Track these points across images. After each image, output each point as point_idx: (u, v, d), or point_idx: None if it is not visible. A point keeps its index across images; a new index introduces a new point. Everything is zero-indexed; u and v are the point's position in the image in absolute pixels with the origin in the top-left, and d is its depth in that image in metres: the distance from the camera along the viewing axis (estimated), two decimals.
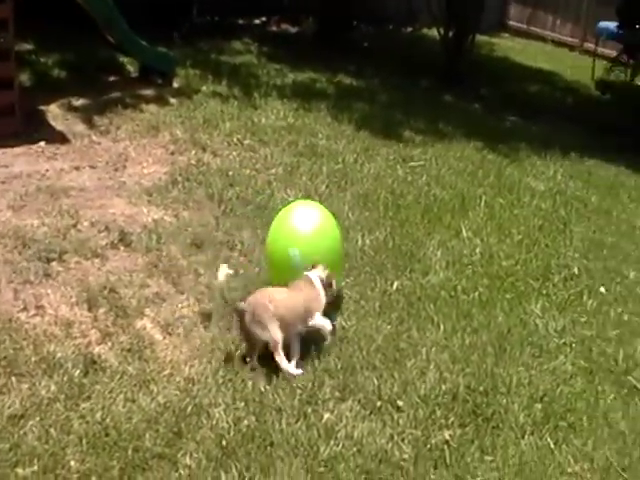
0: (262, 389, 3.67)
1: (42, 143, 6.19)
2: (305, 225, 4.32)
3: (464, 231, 5.71)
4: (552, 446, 3.63)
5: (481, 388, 3.92)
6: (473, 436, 3.60)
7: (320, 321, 4.01)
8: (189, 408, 3.50)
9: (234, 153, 6.52)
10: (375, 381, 3.84)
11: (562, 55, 14.37)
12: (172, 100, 7.62)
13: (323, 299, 4.05)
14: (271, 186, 5.93)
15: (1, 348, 3.71)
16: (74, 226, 4.93)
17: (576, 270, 5.44)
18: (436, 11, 10.57)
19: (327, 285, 4.09)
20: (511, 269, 5.26)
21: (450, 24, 10.43)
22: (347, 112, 8.03)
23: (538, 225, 6.11)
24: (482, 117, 9.30)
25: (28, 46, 8.36)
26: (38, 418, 3.34)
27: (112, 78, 8.02)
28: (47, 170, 5.76)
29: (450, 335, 4.35)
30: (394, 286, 4.75)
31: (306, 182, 6.10)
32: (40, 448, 3.19)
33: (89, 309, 4.12)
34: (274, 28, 11.91)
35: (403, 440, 3.51)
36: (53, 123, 6.66)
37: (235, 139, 6.81)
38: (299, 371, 3.81)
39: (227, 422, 3.45)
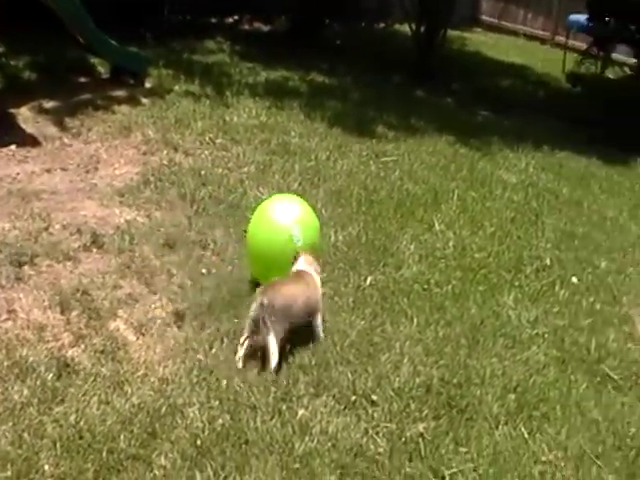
0: (237, 387, 3.67)
1: (13, 146, 6.13)
2: (293, 212, 4.44)
3: (437, 225, 5.74)
4: (526, 436, 3.67)
5: (455, 380, 3.95)
6: (447, 428, 3.63)
7: (320, 320, 4.08)
8: (163, 408, 3.50)
9: (206, 152, 6.49)
10: (349, 376, 3.85)
11: (534, 49, 14.47)
12: (144, 100, 7.56)
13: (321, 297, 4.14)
14: (243, 185, 5.92)
15: None
16: (46, 229, 4.89)
17: (548, 261, 5.49)
18: (408, 6, 10.60)
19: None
20: (484, 261, 5.30)
21: (422, 19, 10.46)
22: (320, 110, 8.01)
23: (510, 217, 6.16)
24: (454, 112, 9.32)
25: None
26: (11, 423, 3.32)
27: (83, 79, 7.94)
28: (18, 173, 5.71)
29: (424, 328, 4.38)
30: (367, 281, 4.77)
31: (279, 180, 6.09)
32: (13, 453, 3.17)
33: (61, 312, 4.10)
34: (246, 27, 11.85)
35: (378, 434, 3.53)
36: (24, 126, 6.58)
37: (207, 138, 6.77)
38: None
39: (202, 421, 3.45)
